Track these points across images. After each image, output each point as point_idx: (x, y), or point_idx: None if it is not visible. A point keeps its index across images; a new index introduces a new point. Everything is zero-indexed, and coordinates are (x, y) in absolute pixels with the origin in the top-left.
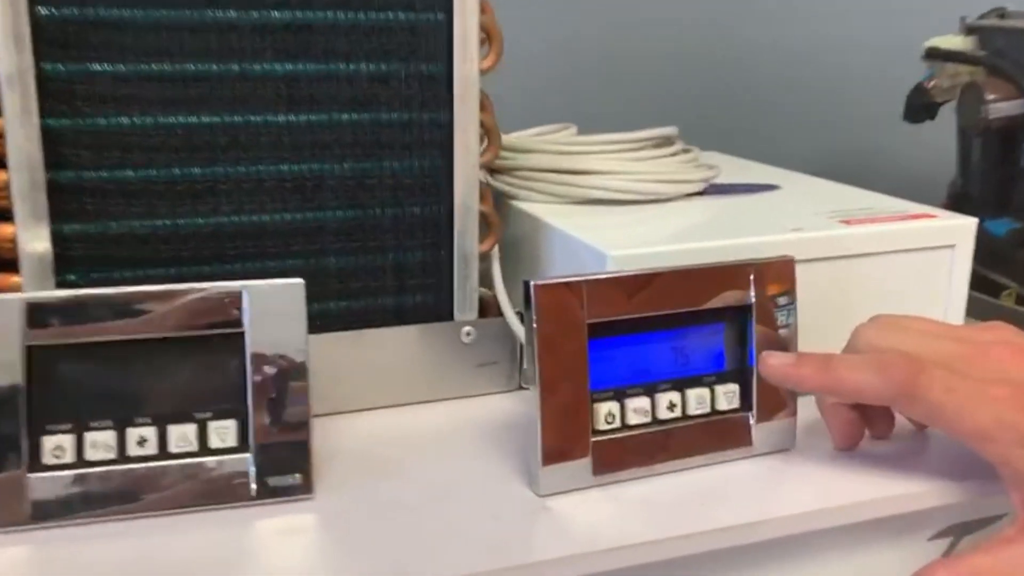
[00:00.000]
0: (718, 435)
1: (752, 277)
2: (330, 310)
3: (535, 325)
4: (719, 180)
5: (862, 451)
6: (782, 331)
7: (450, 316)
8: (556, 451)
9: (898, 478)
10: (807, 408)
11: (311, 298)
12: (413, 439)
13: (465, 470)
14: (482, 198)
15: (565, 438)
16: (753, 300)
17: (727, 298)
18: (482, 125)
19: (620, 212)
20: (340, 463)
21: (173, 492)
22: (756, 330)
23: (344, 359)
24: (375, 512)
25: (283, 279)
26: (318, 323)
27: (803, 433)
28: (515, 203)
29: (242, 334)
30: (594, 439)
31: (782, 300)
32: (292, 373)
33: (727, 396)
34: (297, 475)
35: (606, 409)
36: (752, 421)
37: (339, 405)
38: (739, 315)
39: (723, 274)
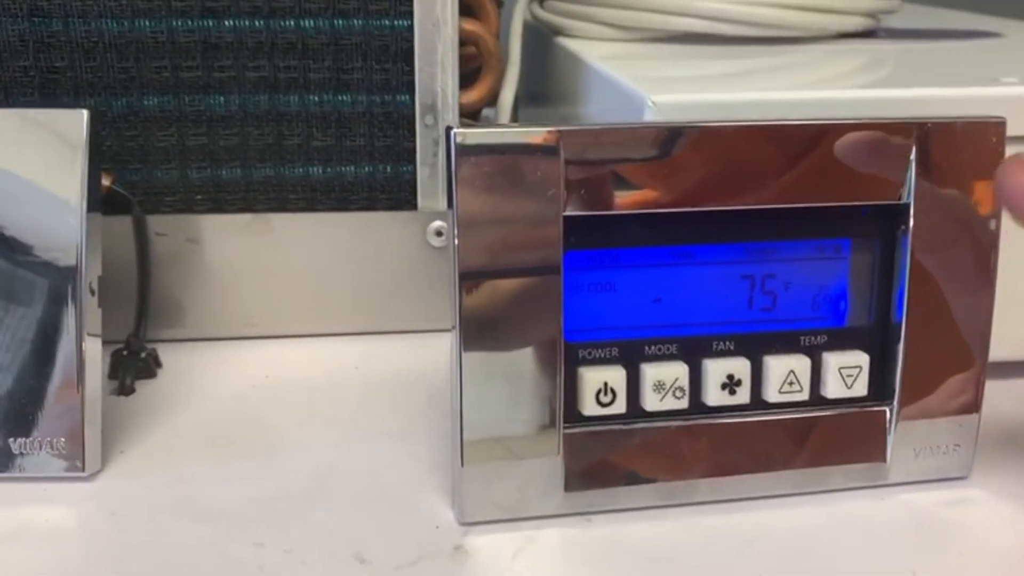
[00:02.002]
0: (822, 442)
1: (916, 152)
2: (221, 179)
3: (457, 216)
4: (898, 25)
5: None
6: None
7: (412, 203)
8: (492, 447)
9: None
10: (999, 402)
11: (182, 158)
12: (314, 391)
13: (364, 457)
14: (475, 13)
15: (512, 423)
16: (913, 196)
17: (861, 189)
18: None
19: (723, 56)
20: (176, 424)
21: None
22: (914, 251)
23: (242, 256)
24: (159, 521)
25: (56, 109)
26: (198, 198)
27: (991, 451)
28: (561, 40)
29: None
30: (570, 430)
31: (972, 201)
32: (58, 272)
33: (847, 373)
34: (61, 440)
35: (599, 378)
36: (891, 419)
37: (229, 327)
38: (881, 223)
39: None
